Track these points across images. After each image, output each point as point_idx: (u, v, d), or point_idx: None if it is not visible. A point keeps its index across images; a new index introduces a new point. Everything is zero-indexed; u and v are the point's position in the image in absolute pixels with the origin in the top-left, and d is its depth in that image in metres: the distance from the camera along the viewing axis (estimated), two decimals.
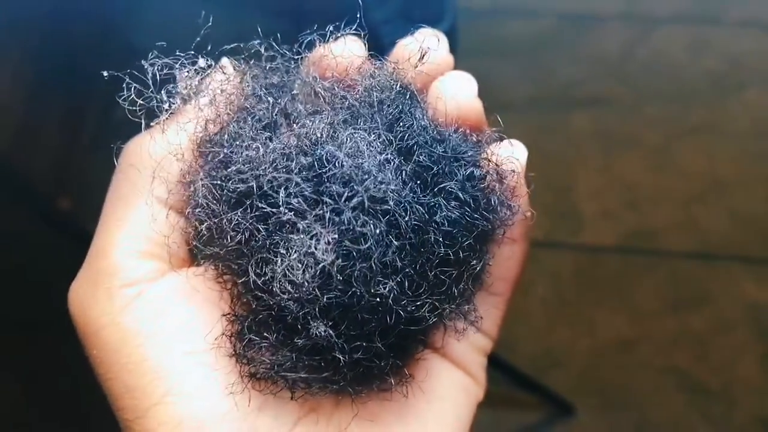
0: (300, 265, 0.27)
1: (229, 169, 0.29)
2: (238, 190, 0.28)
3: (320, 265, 0.27)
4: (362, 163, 0.28)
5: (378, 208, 0.28)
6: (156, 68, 0.30)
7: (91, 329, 0.29)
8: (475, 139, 0.32)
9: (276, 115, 0.30)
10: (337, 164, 0.28)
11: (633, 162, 1.14)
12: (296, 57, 0.31)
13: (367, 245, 0.27)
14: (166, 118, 0.30)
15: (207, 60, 0.31)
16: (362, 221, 0.27)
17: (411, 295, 0.28)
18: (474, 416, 0.33)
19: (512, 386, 0.98)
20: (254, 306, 0.29)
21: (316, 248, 0.27)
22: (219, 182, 0.29)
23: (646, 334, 1.05)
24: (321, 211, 0.27)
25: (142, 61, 0.29)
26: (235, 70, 0.31)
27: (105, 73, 0.30)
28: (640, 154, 1.14)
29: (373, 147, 0.28)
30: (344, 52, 0.31)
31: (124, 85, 0.29)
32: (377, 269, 0.27)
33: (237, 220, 0.28)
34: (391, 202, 0.28)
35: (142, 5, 0.85)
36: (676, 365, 1.03)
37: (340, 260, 0.27)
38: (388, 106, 0.30)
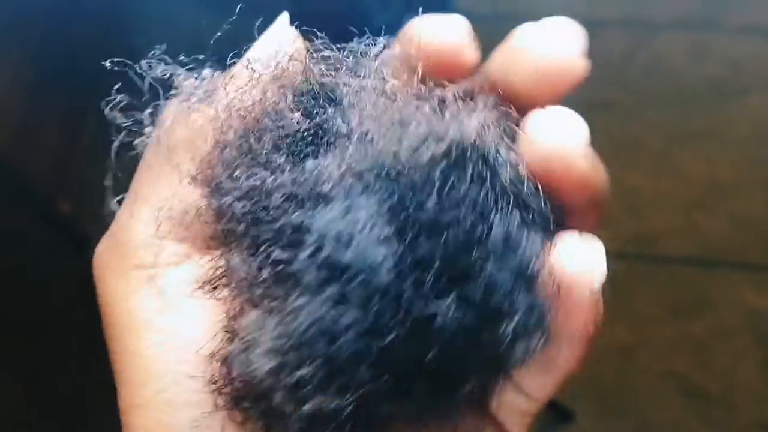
0: (256, 356, 0.24)
1: (229, 197, 0.26)
2: (232, 228, 0.26)
3: (265, 365, 0.24)
4: (357, 242, 0.23)
5: (360, 300, 0.23)
6: (160, 72, 0.27)
7: (106, 299, 0.29)
8: (555, 211, 0.25)
9: (303, 132, 0.26)
10: (327, 241, 0.23)
11: (633, 167, 1.14)
12: (345, 59, 0.27)
13: (333, 350, 0.23)
14: (206, 94, 0.27)
15: (213, 70, 0.28)
16: (331, 320, 0.23)
17: (386, 403, 0.24)
18: None
19: None
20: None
21: (271, 342, 0.24)
22: (223, 205, 0.26)
23: (646, 339, 1.04)
24: (288, 297, 0.24)
25: (155, 64, 0.28)
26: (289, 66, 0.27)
27: (108, 63, 0.28)
28: (641, 158, 1.14)
29: (378, 221, 0.23)
30: (444, 37, 0.26)
31: (136, 81, 0.28)
32: (343, 375, 0.23)
33: (235, 261, 0.26)
34: (376, 300, 0.23)
35: (142, 5, 0.85)
36: (676, 371, 1.03)
37: (288, 374, 0.23)
38: (421, 170, 0.24)
